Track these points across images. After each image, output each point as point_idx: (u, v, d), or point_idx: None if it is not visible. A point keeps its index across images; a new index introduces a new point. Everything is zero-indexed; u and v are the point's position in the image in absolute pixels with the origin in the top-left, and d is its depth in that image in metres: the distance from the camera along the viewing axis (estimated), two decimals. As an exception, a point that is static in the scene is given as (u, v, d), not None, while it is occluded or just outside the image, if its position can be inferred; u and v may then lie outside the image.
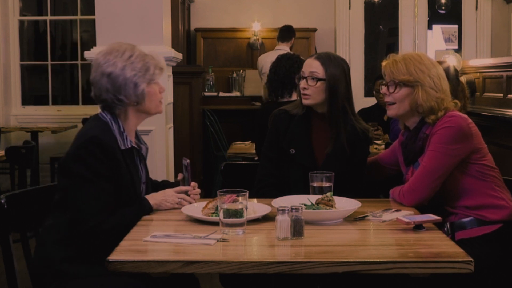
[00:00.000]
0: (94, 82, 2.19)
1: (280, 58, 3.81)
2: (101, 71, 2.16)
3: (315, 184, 2.29)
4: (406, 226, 1.96)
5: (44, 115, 6.98)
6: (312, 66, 2.58)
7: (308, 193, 2.29)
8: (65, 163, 2.10)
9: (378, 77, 5.18)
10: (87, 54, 3.57)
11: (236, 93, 7.28)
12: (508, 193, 2.37)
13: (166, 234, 1.88)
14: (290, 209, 1.85)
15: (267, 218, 2.08)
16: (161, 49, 3.50)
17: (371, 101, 5.54)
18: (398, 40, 7.70)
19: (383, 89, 2.43)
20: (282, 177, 2.60)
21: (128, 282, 1.99)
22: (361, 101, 6.68)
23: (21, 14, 7.19)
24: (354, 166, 2.59)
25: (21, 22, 7.20)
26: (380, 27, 8.14)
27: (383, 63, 2.46)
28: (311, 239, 1.87)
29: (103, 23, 3.56)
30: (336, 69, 2.56)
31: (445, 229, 2.27)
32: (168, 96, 3.78)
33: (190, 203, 2.26)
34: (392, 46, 7.99)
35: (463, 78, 5.30)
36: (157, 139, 3.57)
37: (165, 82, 3.51)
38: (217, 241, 1.82)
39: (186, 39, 7.14)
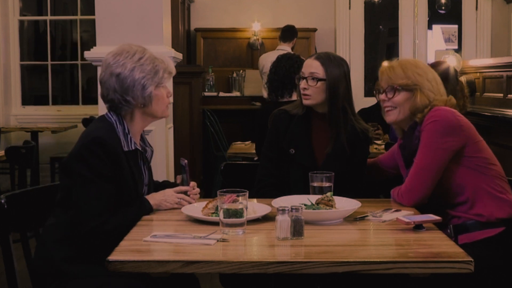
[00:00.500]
0: (102, 81, 2.19)
1: (280, 58, 3.81)
2: (110, 71, 2.16)
3: (315, 184, 2.29)
4: (406, 226, 1.96)
5: (44, 115, 6.98)
6: (312, 67, 2.58)
7: (308, 193, 2.29)
8: (68, 162, 2.10)
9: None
10: (87, 54, 3.57)
11: (236, 93, 7.28)
12: (509, 188, 2.35)
13: (166, 234, 1.88)
14: (290, 209, 1.85)
15: (267, 218, 2.08)
16: (161, 49, 3.50)
17: (371, 101, 5.54)
18: (398, 40, 7.70)
19: (381, 96, 2.42)
20: (282, 177, 2.60)
21: (128, 282, 1.99)
22: (361, 101, 6.68)
23: (21, 14, 7.19)
24: (354, 166, 2.59)
25: (21, 22, 7.21)
26: (380, 27, 8.14)
27: (379, 71, 2.46)
28: (311, 239, 1.87)
29: (103, 23, 3.56)
30: (336, 69, 2.56)
31: (448, 231, 2.26)
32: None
33: (190, 203, 2.27)
34: (392, 46, 7.99)
35: (463, 78, 5.30)
36: (157, 139, 3.57)
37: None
38: (217, 241, 1.82)
39: (186, 39, 7.14)
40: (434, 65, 3.30)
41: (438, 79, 2.41)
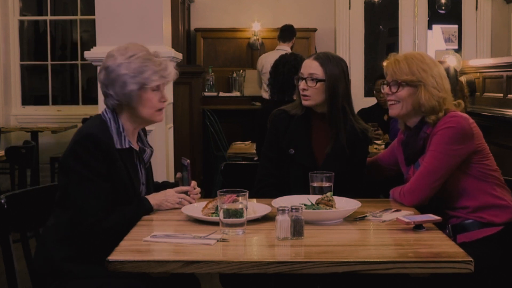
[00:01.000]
0: (98, 74, 2.23)
1: (282, 58, 3.81)
2: (104, 63, 2.19)
3: (315, 184, 2.29)
4: (406, 226, 1.96)
5: (44, 115, 6.98)
6: (311, 67, 2.57)
7: (308, 193, 2.29)
8: (63, 160, 2.12)
9: (378, 77, 5.18)
10: (87, 54, 3.57)
11: (236, 93, 7.28)
12: (509, 194, 2.37)
13: (166, 234, 1.88)
14: (290, 209, 1.85)
15: (267, 218, 2.08)
16: (161, 49, 3.50)
17: (371, 101, 5.54)
18: (398, 40, 7.70)
19: (385, 89, 2.43)
20: (282, 177, 2.60)
21: (128, 282, 1.99)
22: (361, 101, 6.68)
23: (21, 14, 7.19)
24: (354, 166, 2.59)
25: (21, 22, 7.20)
26: (380, 27, 8.14)
27: (385, 63, 2.46)
28: (311, 239, 1.87)
29: (103, 23, 3.56)
30: (336, 69, 2.56)
31: (447, 231, 2.27)
32: (168, 96, 3.77)
33: (190, 203, 2.27)
34: (392, 46, 7.99)
35: (463, 78, 5.31)
36: (157, 139, 3.57)
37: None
38: (217, 241, 1.82)
39: (186, 39, 7.14)
40: None
41: (443, 74, 2.40)
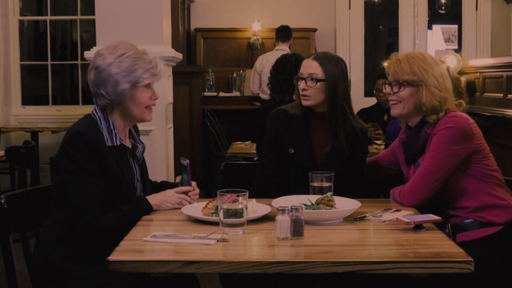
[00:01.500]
0: (87, 74, 2.22)
1: (283, 58, 3.81)
2: (93, 63, 2.19)
3: (315, 184, 2.29)
4: (406, 226, 1.96)
5: (44, 115, 6.98)
6: (310, 67, 2.57)
7: (308, 193, 2.29)
8: (55, 160, 2.13)
9: (378, 77, 5.18)
10: (87, 54, 3.56)
11: (236, 93, 7.28)
12: (509, 194, 2.37)
13: (166, 234, 1.88)
14: (290, 209, 1.85)
15: (267, 218, 2.08)
16: (161, 49, 3.50)
17: (371, 101, 5.54)
18: (398, 40, 7.70)
19: (387, 89, 2.43)
20: (282, 177, 2.60)
21: (128, 282, 1.99)
22: (361, 101, 6.68)
23: (21, 14, 7.19)
24: (354, 166, 2.59)
25: (21, 22, 7.20)
26: (380, 27, 8.14)
27: (387, 63, 2.46)
28: (311, 239, 1.87)
29: (103, 23, 3.56)
30: (335, 69, 2.56)
31: (446, 230, 2.27)
32: (168, 96, 3.77)
33: (190, 203, 2.26)
34: (392, 46, 7.99)
35: (463, 78, 5.31)
36: (157, 139, 3.57)
37: (165, 82, 3.51)
38: (217, 241, 1.82)
39: (186, 39, 7.14)
40: None
41: (445, 74, 2.40)
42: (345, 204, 2.18)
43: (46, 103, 7.23)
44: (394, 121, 4.50)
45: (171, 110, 3.95)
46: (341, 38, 7.62)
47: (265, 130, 2.71)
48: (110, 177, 2.11)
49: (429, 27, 7.73)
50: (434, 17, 7.69)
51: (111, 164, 2.12)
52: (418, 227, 1.96)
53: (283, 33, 6.57)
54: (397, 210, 2.18)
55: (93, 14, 3.66)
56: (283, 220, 1.84)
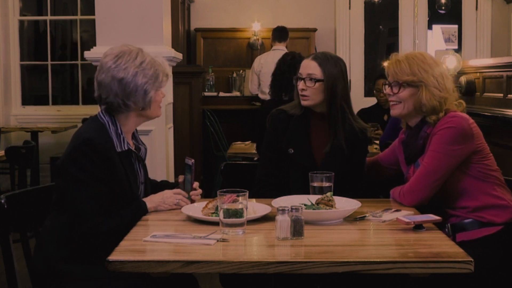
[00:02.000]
0: (102, 84, 2.15)
1: (285, 58, 3.81)
2: (112, 75, 2.13)
3: (315, 184, 2.29)
4: (406, 226, 1.96)
5: (44, 115, 6.98)
6: (310, 67, 2.57)
7: (308, 193, 2.29)
8: (61, 164, 2.10)
9: (378, 77, 5.19)
10: (87, 54, 3.56)
11: (236, 93, 7.28)
12: (509, 194, 2.37)
13: (166, 234, 1.88)
14: (290, 209, 1.85)
15: (267, 218, 2.08)
16: (161, 49, 3.50)
17: (371, 101, 5.54)
18: (398, 40, 7.70)
19: (387, 89, 2.43)
20: (281, 177, 2.60)
21: (128, 283, 1.99)
22: (361, 101, 6.68)
23: (21, 14, 7.19)
24: (353, 166, 2.59)
25: (21, 22, 7.20)
26: (380, 27, 8.14)
27: (386, 63, 2.46)
28: (311, 239, 1.87)
29: (103, 23, 3.56)
30: (334, 69, 2.56)
31: (446, 230, 2.27)
32: (168, 96, 3.77)
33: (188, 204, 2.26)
34: (392, 46, 7.99)
35: (462, 78, 5.31)
36: (157, 139, 3.57)
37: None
38: (217, 241, 1.82)
39: (186, 39, 7.14)
40: None
41: (445, 74, 2.40)
42: (345, 204, 2.18)
43: (46, 103, 7.23)
44: (393, 120, 4.49)
45: (171, 110, 3.95)
46: (341, 38, 7.62)
47: (265, 130, 2.71)
48: (115, 182, 2.11)
49: (429, 27, 7.73)
50: (434, 17, 7.69)
51: (118, 169, 2.11)
52: (418, 227, 1.96)
53: (280, 33, 6.59)
54: (397, 210, 2.18)
55: (93, 14, 3.65)
56: (283, 220, 1.84)
